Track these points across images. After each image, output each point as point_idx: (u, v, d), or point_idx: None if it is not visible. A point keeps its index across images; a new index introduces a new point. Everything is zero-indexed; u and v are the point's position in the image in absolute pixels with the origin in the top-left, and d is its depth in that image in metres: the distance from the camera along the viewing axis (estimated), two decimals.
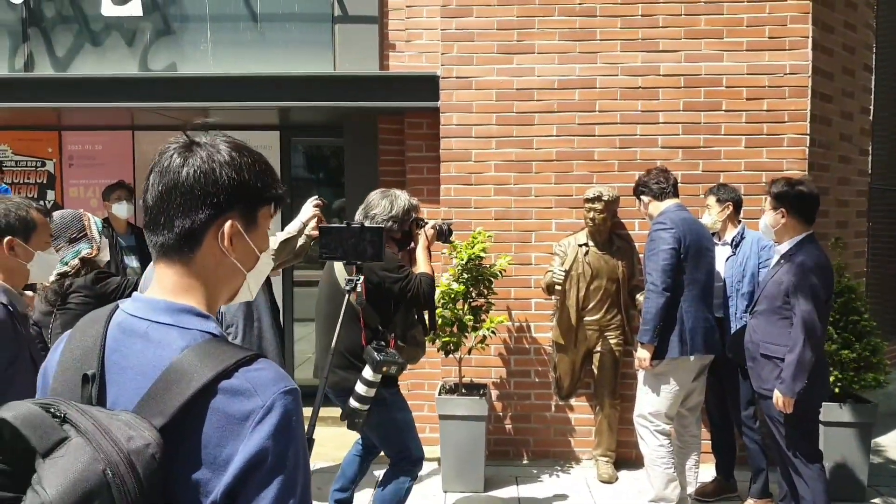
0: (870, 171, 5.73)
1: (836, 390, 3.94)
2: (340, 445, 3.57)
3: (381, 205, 3.06)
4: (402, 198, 3.10)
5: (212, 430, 0.90)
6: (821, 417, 3.56)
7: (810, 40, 4.40)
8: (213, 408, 0.90)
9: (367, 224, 1.82)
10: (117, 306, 1.05)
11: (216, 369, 0.91)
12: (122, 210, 4.70)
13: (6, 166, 5.25)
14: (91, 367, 0.97)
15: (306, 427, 1.99)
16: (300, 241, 2.88)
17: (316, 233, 2.85)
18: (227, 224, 1.02)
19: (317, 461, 4.46)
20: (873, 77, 5.54)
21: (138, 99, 4.59)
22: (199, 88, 4.55)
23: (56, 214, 2.59)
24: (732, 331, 3.84)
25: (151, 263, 2.66)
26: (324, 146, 5.76)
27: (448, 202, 4.51)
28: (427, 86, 4.52)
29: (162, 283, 1.03)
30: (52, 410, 0.82)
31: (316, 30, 4.89)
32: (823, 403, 3.54)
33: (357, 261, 1.87)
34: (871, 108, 5.57)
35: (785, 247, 3.29)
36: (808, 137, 4.44)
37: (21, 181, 5.43)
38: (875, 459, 4.42)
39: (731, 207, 3.97)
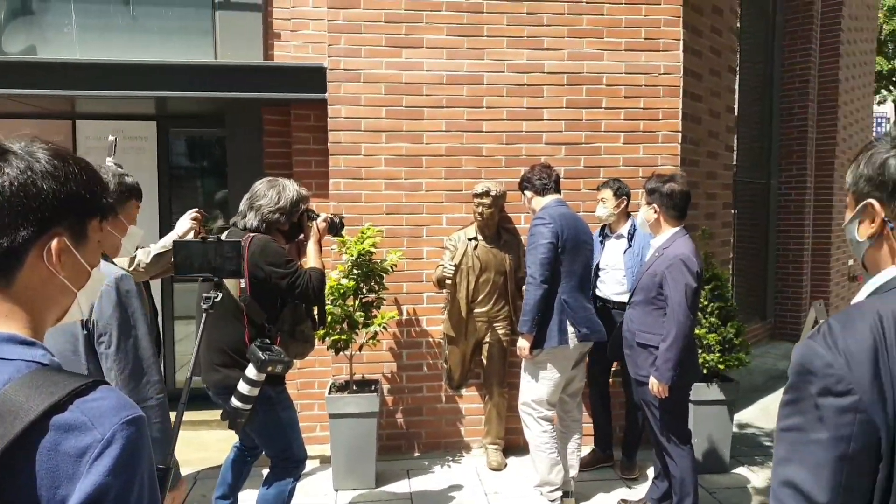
0: (735, 166, 6.19)
1: (704, 371, 4.25)
2: (226, 449, 3.45)
3: (268, 195, 2.93)
4: (290, 188, 2.98)
5: (44, 472, 0.83)
6: (690, 397, 3.83)
7: (681, 42, 4.67)
8: (44, 446, 0.83)
9: (217, 236, 1.73)
10: None
11: (46, 402, 0.84)
12: None
13: None
14: None
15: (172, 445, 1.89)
16: None
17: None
18: (55, 241, 0.94)
19: (199, 466, 4.29)
20: (737, 78, 5.97)
21: None
22: (66, 75, 4.21)
23: None
24: None
25: None
26: (205, 137, 5.51)
27: (337, 196, 4.44)
28: (314, 77, 4.42)
29: None
30: None
31: (195, 16, 4.65)
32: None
33: (214, 277, 1.77)
34: (736, 107, 6.00)
35: (659, 240, 3.47)
36: (680, 134, 4.72)
37: None
38: (737, 432, 4.81)
39: (625, 201, 4.17)
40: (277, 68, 4.52)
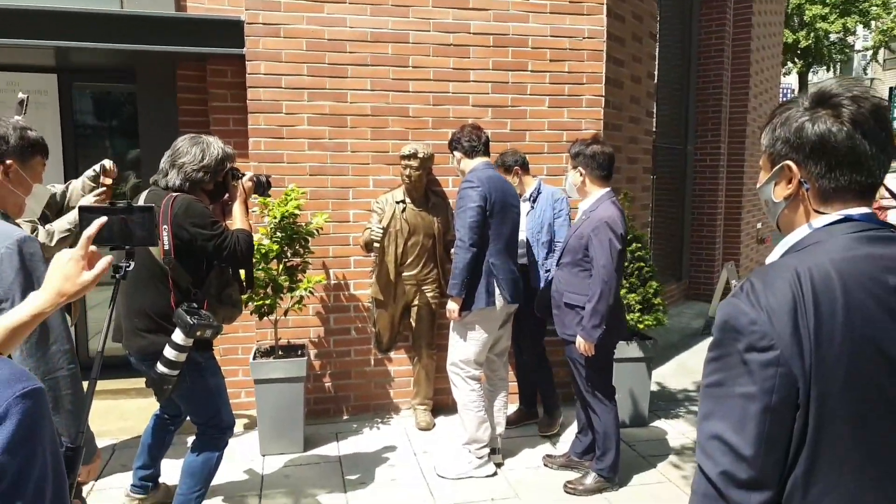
0: (654, 131, 6.37)
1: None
2: (146, 418, 3.33)
3: (192, 153, 2.78)
4: (214, 145, 2.84)
5: None
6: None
7: (605, 6, 4.70)
8: None
9: (126, 202, 1.61)
10: None
11: None
12: None
13: None
14: None
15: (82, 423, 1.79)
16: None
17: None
18: None
19: (119, 437, 4.13)
20: (657, 45, 6.10)
21: None
22: None
23: None
24: (539, 277, 4.18)
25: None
26: (113, 92, 5.17)
27: (258, 156, 4.28)
28: (231, 31, 4.19)
29: None
30: None
31: None
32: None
33: (125, 245, 1.66)
34: (656, 73, 6.15)
35: (586, 203, 3.55)
36: (603, 99, 4.79)
37: None
38: (654, 388, 5.04)
39: (518, 171, 4.23)
40: (191, 20, 4.26)
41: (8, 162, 1.90)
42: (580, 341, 3.44)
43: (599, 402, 3.60)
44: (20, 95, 2.71)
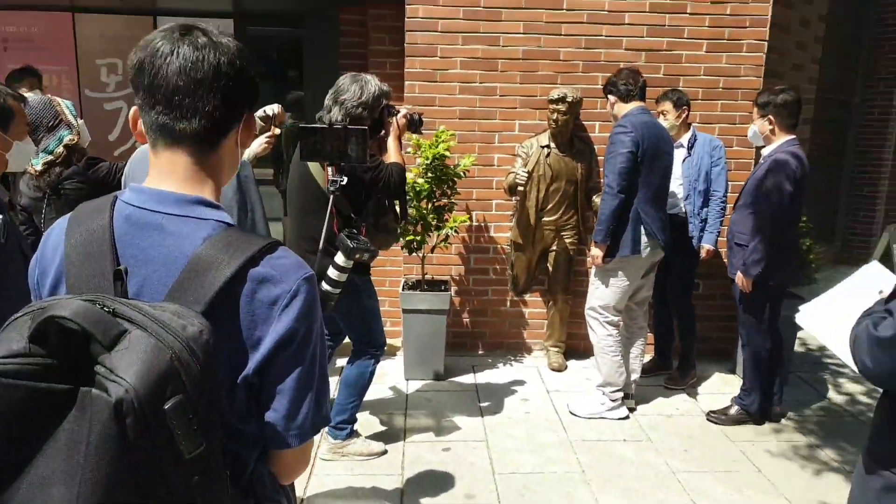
0: (817, 79, 5.91)
1: None
2: None
3: (351, 90, 2.99)
4: (372, 83, 3.02)
5: (244, 314, 0.96)
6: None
7: None
8: (245, 294, 0.96)
9: (343, 123, 1.81)
10: (116, 197, 1.03)
11: (243, 258, 0.95)
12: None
13: None
14: (108, 261, 0.96)
15: None
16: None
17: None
18: (251, 118, 1.05)
19: None
20: None
21: None
22: None
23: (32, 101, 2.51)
24: (695, 227, 4.16)
25: (139, 150, 2.67)
26: (282, 36, 5.53)
27: (412, 99, 4.47)
28: None
29: (173, 172, 1.01)
30: (100, 305, 0.83)
31: None
32: None
33: (341, 161, 1.85)
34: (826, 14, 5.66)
35: (769, 149, 3.62)
36: (766, 44, 4.51)
37: None
38: (799, 349, 4.86)
39: (686, 112, 4.10)
40: None
41: None
42: (739, 276, 3.62)
43: (749, 340, 3.76)
44: (273, 109, 3.02)
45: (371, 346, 3.26)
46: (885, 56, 7.28)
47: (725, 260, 3.95)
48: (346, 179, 1.88)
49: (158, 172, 1.03)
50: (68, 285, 0.98)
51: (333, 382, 3.45)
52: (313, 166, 2.98)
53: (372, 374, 3.30)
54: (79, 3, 4.98)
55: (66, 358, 0.80)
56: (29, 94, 4.19)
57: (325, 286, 2.95)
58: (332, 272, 2.91)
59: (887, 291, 1.42)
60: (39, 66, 4.61)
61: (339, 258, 2.90)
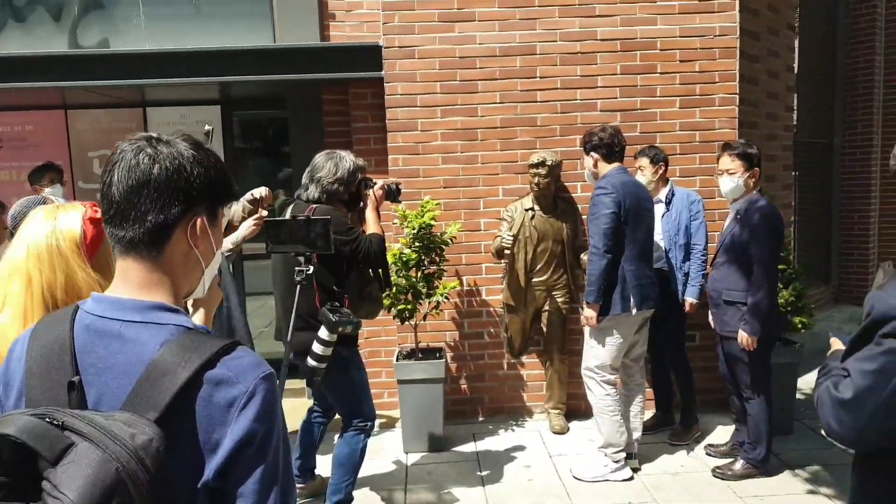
0: (795, 126, 6.04)
1: None
2: (302, 415, 3.66)
3: (327, 167, 3.09)
4: (346, 159, 3.13)
5: (202, 418, 0.96)
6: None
7: (737, 2, 4.57)
8: (201, 397, 0.96)
9: (306, 215, 1.85)
10: (77, 307, 1.05)
11: (199, 361, 0.96)
12: (58, 193, 4.56)
13: None
14: (68, 373, 0.98)
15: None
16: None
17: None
18: (199, 219, 1.06)
19: None
20: (797, 36, 5.79)
21: (70, 77, 4.43)
22: (134, 65, 4.43)
23: (20, 204, 2.52)
24: (677, 280, 4.18)
25: None
26: (268, 119, 5.70)
27: (396, 172, 4.57)
28: (370, 56, 4.52)
29: (127, 279, 1.04)
30: (49, 419, 0.84)
31: (253, 1, 4.80)
32: None
33: (307, 251, 1.87)
34: (796, 65, 5.84)
35: (740, 203, 3.67)
36: (737, 97, 4.65)
37: None
38: (800, 396, 4.79)
39: (663, 167, 4.19)
40: (335, 49, 4.64)
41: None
42: (743, 335, 3.58)
43: (757, 394, 3.71)
44: (206, 127, 3.09)
45: (361, 421, 3.22)
46: (859, 99, 7.47)
47: (709, 317, 3.93)
48: (312, 269, 1.89)
49: (118, 279, 1.06)
50: (27, 398, 0.99)
51: (325, 460, 3.40)
52: None
53: (364, 449, 3.25)
54: (71, 101, 5.16)
55: (16, 475, 0.81)
56: (47, 189, 4.35)
57: (310, 362, 2.95)
58: (316, 347, 2.92)
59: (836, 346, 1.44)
60: (34, 161, 4.75)
61: (323, 332, 2.91)
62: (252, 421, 0.98)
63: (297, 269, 1.83)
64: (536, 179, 4.35)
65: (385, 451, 4.28)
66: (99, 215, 1.16)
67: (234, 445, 0.96)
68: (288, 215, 3.15)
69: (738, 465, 3.79)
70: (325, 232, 1.86)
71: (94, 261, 1.44)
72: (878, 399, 1.21)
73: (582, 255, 4.39)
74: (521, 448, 4.29)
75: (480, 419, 4.78)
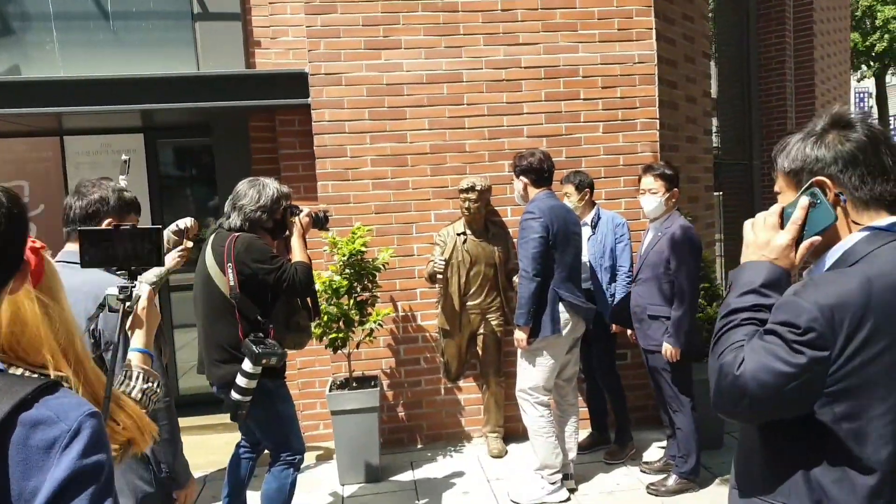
0: (716, 148, 6.31)
1: None
2: (231, 451, 3.53)
3: (249, 195, 3.02)
4: (270, 186, 3.06)
5: (16, 465, 0.88)
6: None
7: (654, 31, 4.77)
8: (15, 442, 0.88)
9: (132, 224, 1.77)
10: None
11: (11, 402, 0.89)
12: None
13: None
14: None
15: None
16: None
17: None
18: (21, 270, 1.03)
19: (208, 469, 4.37)
20: (712, 63, 6.08)
21: None
22: (51, 93, 4.27)
23: None
24: (605, 301, 4.25)
25: None
26: (193, 146, 5.58)
27: (326, 199, 4.52)
28: (296, 83, 4.50)
29: None
30: None
31: (175, 28, 4.72)
32: None
33: (132, 267, 1.67)
34: (713, 91, 6.12)
35: (660, 222, 3.82)
36: (657, 121, 4.82)
37: None
38: None
39: (588, 192, 4.29)
40: (260, 76, 4.60)
41: (108, 220, 2.16)
42: (667, 348, 3.70)
43: (682, 406, 3.83)
44: (123, 157, 3.00)
45: (290, 454, 3.13)
46: (774, 123, 7.88)
47: (629, 333, 4.05)
48: (137, 285, 1.68)
49: None
50: None
51: (256, 496, 3.28)
52: (214, 272, 2.95)
53: (293, 483, 3.15)
54: None
55: None
56: None
57: (235, 395, 2.86)
58: (240, 380, 2.83)
59: None
60: None
61: (247, 365, 2.82)
62: (76, 458, 0.89)
63: (119, 285, 1.64)
64: (467, 204, 4.38)
65: (321, 484, 4.17)
66: (39, 244, 1.10)
67: (54, 490, 0.88)
68: (209, 244, 3.06)
69: (672, 480, 3.85)
70: (155, 242, 1.64)
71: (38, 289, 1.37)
72: (782, 399, 1.20)
73: (514, 278, 4.42)
74: (459, 474, 4.25)
75: (419, 446, 4.71)
